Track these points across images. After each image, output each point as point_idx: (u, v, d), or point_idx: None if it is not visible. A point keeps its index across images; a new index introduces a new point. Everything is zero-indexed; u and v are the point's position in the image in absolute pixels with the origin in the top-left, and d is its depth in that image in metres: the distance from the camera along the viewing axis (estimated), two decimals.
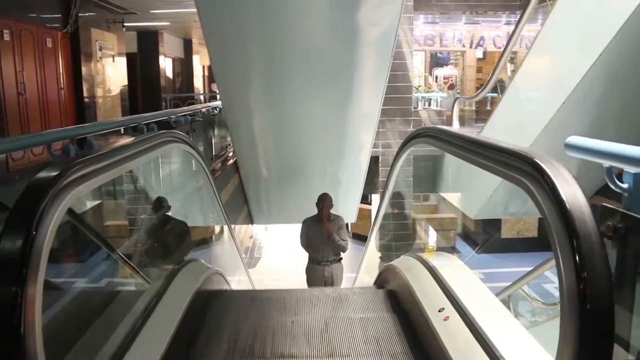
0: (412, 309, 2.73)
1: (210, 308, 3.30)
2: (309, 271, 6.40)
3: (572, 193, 1.41)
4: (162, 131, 2.79)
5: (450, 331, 2.25)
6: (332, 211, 6.22)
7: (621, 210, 1.66)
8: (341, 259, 6.38)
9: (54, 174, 1.60)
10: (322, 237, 6.15)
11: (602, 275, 1.33)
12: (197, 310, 3.10)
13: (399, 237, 6.67)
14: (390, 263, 3.66)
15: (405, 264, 3.30)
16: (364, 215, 12.65)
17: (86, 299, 3.58)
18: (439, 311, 2.42)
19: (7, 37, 8.00)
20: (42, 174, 1.60)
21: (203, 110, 7.35)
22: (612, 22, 5.95)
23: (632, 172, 1.61)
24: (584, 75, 6.37)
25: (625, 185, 1.65)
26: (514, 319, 2.35)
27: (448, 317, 2.34)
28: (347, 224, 7.33)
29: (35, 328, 1.36)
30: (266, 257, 14.68)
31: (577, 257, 1.33)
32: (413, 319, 2.71)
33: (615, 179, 1.67)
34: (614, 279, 1.66)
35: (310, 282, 6.33)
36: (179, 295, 2.98)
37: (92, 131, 3.07)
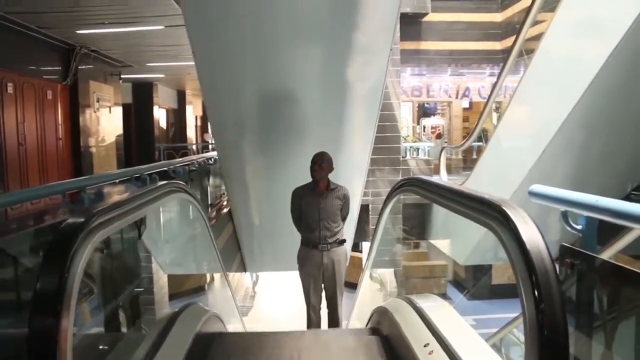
0: (400, 345, 2.93)
1: (210, 351, 3.46)
2: (303, 257, 5.02)
3: (532, 236, 1.65)
4: (167, 182, 3.03)
5: None
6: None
7: (577, 248, 1.91)
8: (344, 241, 5.03)
9: (81, 221, 1.83)
10: (318, 211, 4.82)
11: (557, 307, 1.56)
12: (197, 353, 3.25)
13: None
14: (381, 305, 3.86)
15: (393, 305, 3.51)
16: (355, 263, 12.79)
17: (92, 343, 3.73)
18: (424, 346, 2.62)
19: (10, 89, 8.32)
20: (71, 221, 1.83)
21: (200, 160, 7.63)
22: (585, 73, 6.33)
23: (585, 215, 1.86)
24: (561, 125, 6.71)
25: (579, 227, 1.90)
26: (490, 349, 2.56)
27: (432, 351, 2.55)
28: None
29: (66, 349, 1.57)
30: (257, 306, 14.71)
31: (535, 292, 1.56)
32: (401, 354, 2.91)
33: (571, 222, 1.92)
34: (576, 305, 1.90)
35: (305, 270, 5.01)
36: (181, 338, 3.15)
37: (101, 182, 3.31)
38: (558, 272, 1.66)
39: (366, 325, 4.10)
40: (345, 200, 4.95)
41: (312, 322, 5.07)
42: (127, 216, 2.19)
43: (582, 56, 6.63)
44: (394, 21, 5.19)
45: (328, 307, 5.09)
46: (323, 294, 5.08)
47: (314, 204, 4.83)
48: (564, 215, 1.93)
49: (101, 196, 3.14)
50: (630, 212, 1.57)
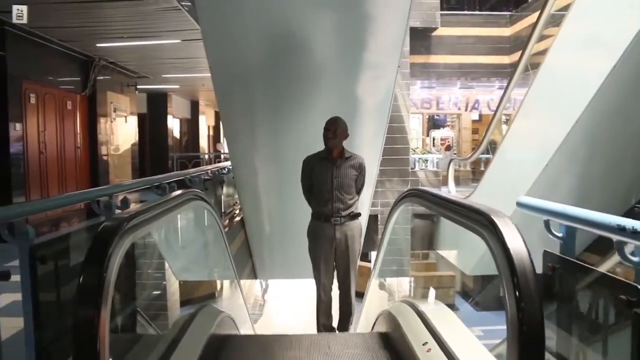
0: (401, 344, 3.15)
1: (223, 350, 3.68)
2: (313, 231, 4.58)
3: (516, 243, 1.86)
4: (188, 190, 3.28)
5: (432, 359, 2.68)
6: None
7: (557, 254, 2.13)
8: (358, 214, 4.59)
9: (116, 224, 2.07)
10: (331, 181, 4.39)
11: (535, 306, 1.77)
12: (211, 353, 3.47)
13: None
14: (385, 309, 4.09)
15: (396, 308, 3.74)
16: (363, 272, 12.95)
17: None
18: (423, 345, 2.84)
19: (33, 100, 8.67)
20: (107, 224, 2.07)
21: (214, 170, 7.91)
22: (587, 89, 6.56)
23: (565, 224, 2.08)
24: (564, 139, 6.92)
25: (560, 234, 2.12)
26: (484, 347, 2.77)
27: (430, 349, 2.77)
28: None
29: (105, 343, 1.81)
30: (266, 315, 14.87)
31: (516, 292, 1.78)
32: (401, 350, 3.14)
33: (552, 230, 2.15)
34: (557, 303, 2.12)
35: (315, 245, 4.57)
36: (196, 338, 3.37)
37: (126, 189, 3.58)
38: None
39: (372, 329, 4.31)
40: (361, 170, 4.52)
41: (322, 302, 4.62)
42: (154, 220, 2.44)
43: (584, 72, 6.84)
44: (401, 39, 5.44)
45: (340, 288, 4.63)
46: (335, 273, 4.65)
47: (327, 174, 4.39)
48: (546, 224, 2.15)
49: (126, 203, 3.39)
50: (599, 221, 1.79)
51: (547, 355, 2.18)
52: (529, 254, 1.85)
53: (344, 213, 4.42)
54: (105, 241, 1.97)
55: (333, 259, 4.53)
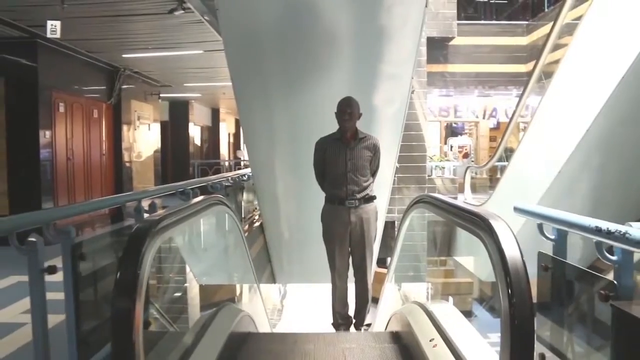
0: (410, 340, 3.35)
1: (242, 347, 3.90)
2: (327, 215, 4.43)
3: (510, 245, 2.04)
4: (212, 195, 3.52)
5: (437, 355, 2.87)
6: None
7: (550, 255, 2.32)
8: (373, 197, 4.43)
9: (149, 225, 2.30)
10: (345, 163, 4.26)
11: (525, 301, 1.95)
12: (231, 349, 3.69)
13: None
14: (398, 309, 4.29)
15: (407, 309, 3.94)
16: (380, 279, 13.06)
17: None
18: (430, 341, 3.04)
19: (61, 109, 9.03)
20: (141, 226, 2.30)
21: (235, 177, 8.17)
22: (597, 97, 6.70)
23: (556, 228, 2.28)
24: (576, 146, 7.06)
25: (552, 237, 2.31)
26: (486, 343, 2.96)
27: (436, 344, 2.96)
28: None
29: (140, 333, 2.02)
30: (284, 320, 15.05)
31: (509, 290, 1.97)
32: (410, 346, 3.34)
33: (546, 234, 2.34)
34: (550, 299, 2.31)
35: (329, 230, 4.43)
36: (217, 335, 3.59)
37: (154, 194, 3.84)
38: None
39: (385, 329, 4.50)
40: (376, 151, 4.38)
41: (337, 289, 4.49)
42: (182, 222, 2.67)
43: (596, 80, 6.97)
44: (415, 51, 5.64)
45: (355, 274, 4.48)
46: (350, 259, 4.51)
47: (340, 155, 4.26)
48: (540, 227, 2.35)
49: (154, 207, 3.64)
50: (581, 224, 1.98)
51: (541, 348, 2.37)
52: (522, 256, 2.04)
53: (358, 196, 4.27)
54: (139, 241, 2.19)
55: (348, 244, 4.38)
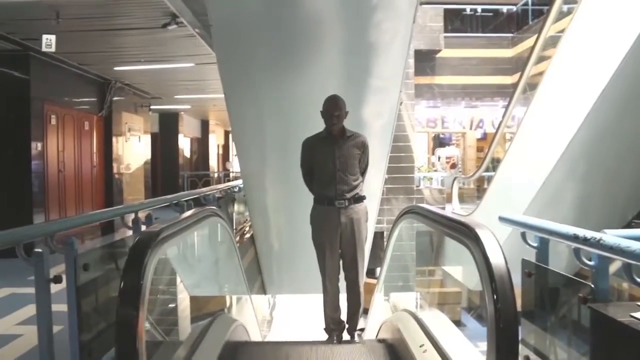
0: (401, 347, 3.46)
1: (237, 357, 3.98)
2: (317, 216, 4.29)
3: (495, 253, 2.16)
4: (207, 207, 3.62)
5: (426, 359, 2.99)
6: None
7: (533, 261, 2.44)
8: (363, 197, 4.31)
9: (151, 236, 2.40)
10: (333, 161, 4.13)
11: (509, 306, 2.07)
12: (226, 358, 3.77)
13: None
14: (388, 317, 4.40)
15: (397, 316, 4.06)
16: (369, 289, 13.13)
17: None
18: (420, 346, 3.15)
19: (53, 121, 9.09)
20: (142, 237, 2.39)
21: (226, 188, 8.26)
22: (581, 107, 6.88)
23: (538, 236, 2.40)
24: (560, 157, 7.23)
25: (535, 244, 2.43)
26: (473, 346, 3.07)
27: (426, 350, 3.07)
28: None
29: (143, 339, 2.11)
30: (274, 332, 15.05)
31: (494, 295, 2.08)
32: (401, 352, 3.45)
33: (529, 242, 2.46)
34: (534, 303, 2.43)
35: (319, 231, 4.28)
36: (213, 344, 3.67)
37: (150, 206, 3.93)
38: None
39: (376, 337, 4.60)
40: (364, 148, 4.28)
41: (328, 293, 4.33)
42: (181, 233, 2.77)
43: (579, 92, 7.15)
44: (403, 65, 5.80)
45: (346, 278, 4.32)
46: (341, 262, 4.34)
47: (328, 154, 4.14)
48: (523, 236, 2.47)
49: (150, 219, 3.73)
50: (561, 232, 2.10)
51: (526, 351, 2.49)
52: (506, 263, 2.16)
53: (348, 195, 4.13)
54: (142, 252, 2.28)
55: (338, 246, 4.23)
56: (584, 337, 1.98)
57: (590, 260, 1.97)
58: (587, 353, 1.96)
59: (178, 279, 6.28)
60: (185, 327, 5.28)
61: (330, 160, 4.13)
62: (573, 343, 2.10)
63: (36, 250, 2.29)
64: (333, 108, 4.13)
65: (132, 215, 3.61)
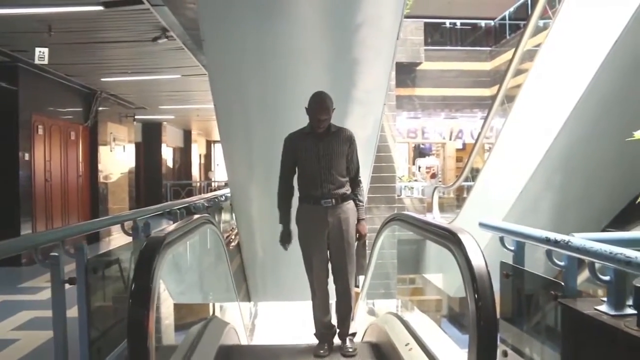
0: (388, 347, 3.67)
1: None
2: (302, 217, 4.05)
3: (476, 256, 2.35)
4: (202, 215, 3.80)
5: (413, 356, 3.20)
6: None
7: (510, 263, 2.67)
8: (351, 196, 4.02)
9: (159, 240, 2.57)
10: (318, 158, 3.88)
11: (489, 305, 2.27)
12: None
13: None
14: (373, 320, 4.60)
15: (383, 319, 4.27)
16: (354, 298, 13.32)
17: None
18: (405, 345, 3.36)
19: (40, 131, 9.17)
20: (151, 240, 2.57)
21: (214, 198, 8.42)
22: (556, 120, 7.20)
23: (515, 240, 2.63)
24: (537, 167, 7.54)
25: (512, 248, 2.66)
26: (455, 344, 3.30)
27: (412, 348, 3.28)
28: None
29: (152, 333, 2.28)
30: (256, 340, 15.12)
31: (475, 295, 2.29)
32: (387, 353, 3.65)
33: (507, 245, 2.69)
34: (511, 302, 2.66)
35: (305, 233, 4.01)
36: (208, 347, 3.83)
37: (146, 214, 4.11)
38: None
39: (362, 339, 4.80)
40: (352, 143, 4.00)
41: (317, 297, 4.07)
42: (184, 238, 2.96)
43: (554, 104, 7.46)
44: (387, 79, 6.05)
45: (336, 281, 4.03)
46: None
47: (313, 150, 3.88)
48: (501, 240, 2.70)
49: (148, 227, 3.91)
50: (535, 235, 2.34)
51: (503, 347, 2.71)
52: (486, 265, 2.38)
53: (335, 194, 3.87)
54: (150, 255, 2.46)
55: (326, 247, 3.98)
56: (556, 329, 2.20)
57: (560, 260, 2.20)
58: (559, 343, 2.18)
59: (162, 286, 6.44)
60: (179, 330, 5.41)
61: (315, 157, 3.86)
62: (546, 336, 2.33)
63: (52, 254, 2.45)
64: (320, 112, 3.82)
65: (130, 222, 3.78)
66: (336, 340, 4.01)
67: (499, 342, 2.68)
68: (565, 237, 2.08)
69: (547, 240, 2.18)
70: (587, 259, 1.93)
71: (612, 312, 1.86)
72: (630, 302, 1.81)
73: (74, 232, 2.97)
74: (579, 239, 2.03)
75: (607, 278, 1.91)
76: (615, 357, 1.77)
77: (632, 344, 1.65)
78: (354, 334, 4.06)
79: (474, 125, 18.23)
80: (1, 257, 2.22)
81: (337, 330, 4.05)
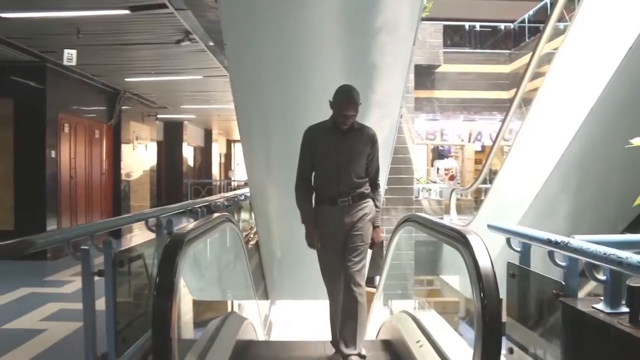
0: (400, 344, 3.79)
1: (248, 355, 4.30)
2: (318, 217, 3.74)
3: (482, 256, 2.48)
4: (223, 214, 3.96)
5: (423, 353, 3.32)
6: None
7: (516, 264, 2.78)
8: (369, 195, 3.76)
9: (182, 236, 2.72)
10: (337, 156, 3.63)
11: (494, 303, 2.39)
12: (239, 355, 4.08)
13: None
14: (387, 319, 4.73)
15: (396, 317, 4.39)
16: (369, 298, 13.39)
17: None
18: (417, 342, 3.48)
19: (66, 129, 9.44)
20: (174, 238, 2.72)
21: (234, 197, 8.60)
22: (572, 122, 7.23)
23: (521, 241, 2.74)
24: (553, 169, 7.57)
25: (519, 249, 2.77)
26: (465, 343, 3.40)
27: (422, 345, 3.40)
28: None
29: (175, 325, 2.42)
30: (273, 338, 15.30)
31: (481, 293, 2.40)
32: (399, 350, 3.77)
33: (513, 246, 2.80)
34: (517, 301, 2.76)
35: (322, 237, 3.71)
36: (226, 342, 3.98)
37: (169, 212, 4.28)
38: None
39: (376, 337, 4.93)
40: (374, 143, 3.76)
41: (335, 299, 3.76)
42: (205, 235, 3.12)
43: (570, 107, 7.49)
44: (404, 83, 6.16)
45: (345, 283, 3.62)
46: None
47: (332, 147, 3.63)
48: (508, 242, 2.81)
49: (171, 224, 4.07)
50: (538, 237, 2.44)
51: (509, 344, 2.82)
52: (492, 264, 2.49)
53: (353, 193, 3.63)
54: (174, 250, 2.61)
55: (343, 249, 3.69)
56: (558, 327, 2.30)
57: (562, 261, 2.31)
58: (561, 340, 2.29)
59: (182, 282, 6.62)
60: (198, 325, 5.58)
61: (334, 154, 3.62)
62: (549, 333, 2.43)
63: (82, 247, 2.62)
64: (347, 107, 3.55)
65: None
66: None
67: (505, 340, 2.79)
68: (565, 239, 2.19)
69: (549, 242, 2.29)
70: (584, 259, 2.04)
71: (608, 310, 1.96)
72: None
73: (103, 227, 3.15)
74: (577, 240, 2.14)
75: (603, 278, 2.01)
76: (610, 352, 1.88)
77: (624, 340, 1.76)
78: (363, 357, 3.51)
79: (492, 128, 18.19)
80: (40, 249, 2.38)
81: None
